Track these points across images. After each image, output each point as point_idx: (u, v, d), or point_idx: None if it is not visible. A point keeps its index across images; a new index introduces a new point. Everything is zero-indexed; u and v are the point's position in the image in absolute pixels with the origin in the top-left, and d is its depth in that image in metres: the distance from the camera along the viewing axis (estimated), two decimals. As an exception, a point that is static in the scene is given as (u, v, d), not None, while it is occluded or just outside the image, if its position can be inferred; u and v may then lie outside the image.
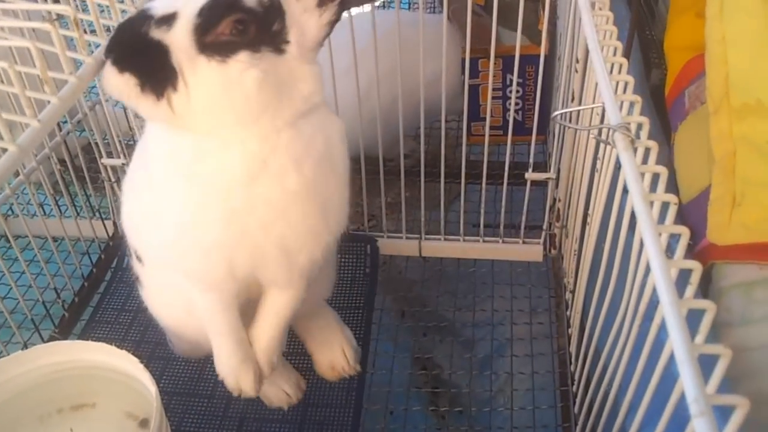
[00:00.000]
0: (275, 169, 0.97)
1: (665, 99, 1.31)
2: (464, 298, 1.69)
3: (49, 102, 0.85)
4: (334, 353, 1.41)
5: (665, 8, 2.11)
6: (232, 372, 1.19)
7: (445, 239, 1.73)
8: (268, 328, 1.19)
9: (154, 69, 0.89)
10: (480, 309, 1.65)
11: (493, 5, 1.38)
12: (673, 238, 0.78)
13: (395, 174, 1.78)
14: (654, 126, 1.47)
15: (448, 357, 1.57)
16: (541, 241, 1.69)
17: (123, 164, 1.69)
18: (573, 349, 1.41)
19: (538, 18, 1.86)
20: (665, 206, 0.79)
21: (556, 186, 1.62)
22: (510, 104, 1.93)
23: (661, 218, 0.79)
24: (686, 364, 0.60)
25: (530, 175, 1.57)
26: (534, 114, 1.95)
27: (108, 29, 0.99)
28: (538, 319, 1.61)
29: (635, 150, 0.83)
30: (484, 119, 1.96)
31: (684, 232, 0.72)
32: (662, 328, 0.83)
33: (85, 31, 0.95)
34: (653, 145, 0.83)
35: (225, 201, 0.98)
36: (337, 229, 1.09)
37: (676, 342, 0.62)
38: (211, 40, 0.89)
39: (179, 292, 1.18)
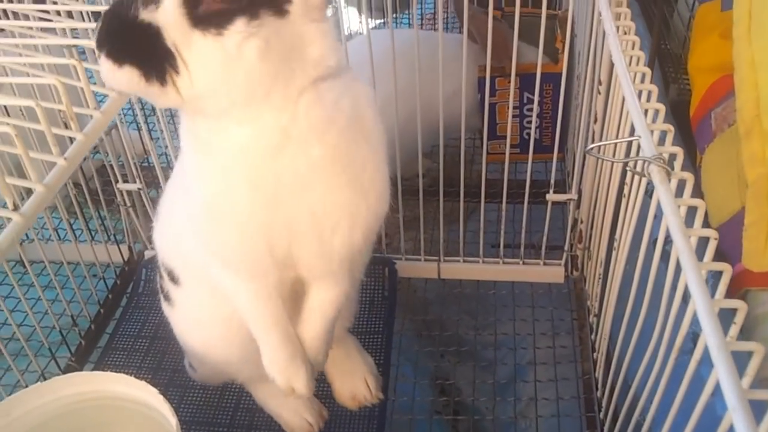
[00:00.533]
0: (298, 139, 0.88)
1: (690, 120, 1.28)
2: (485, 320, 1.66)
3: (73, 139, 0.84)
4: (355, 383, 1.39)
5: (680, 21, 2.09)
6: (283, 370, 1.10)
7: (464, 261, 1.70)
8: (313, 325, 1.12)
9: (150, 54, 0.80)
10: (501, 333, 1.62)
11: (514, 20, 1.36)
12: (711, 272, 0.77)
13: (410, 193, 1.76)
14: (675, 141, 1.45)
15: (470, 382, 1.54)
16: (563, 262, 1.67)
17: (139, 189, 1.68)
18: (599, 374, 1.39)
19: (555, 35, 1.84)
20: (703, 240, 0.77)
21: (578, 207, 1.60)
22: (527, 122, 1.92)
23: (699, 252, 0.78)
24: (738, 411, 0.58)
25: (551, 196, 1.55)
26: (551, 132, 1.95)
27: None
28: (561, 342, 1.58)
29: (670, 181, 0.82)
30: (501, 137, 1.96)
31: (726, 269, 0.70)
32: (702, 363, 0.81)
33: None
34: (689, 177, 0.81)
35: (250, 175, 0.90)
36: (377, 208, 0.99)
37: (727, 387, 0.60)
38: (204, 10, 0.79)
39: (219, 306, 1.13)
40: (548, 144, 1.93)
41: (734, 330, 0.68)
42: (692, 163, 1.36)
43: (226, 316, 1.14)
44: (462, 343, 1.64)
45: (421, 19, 2.55)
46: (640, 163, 0.85)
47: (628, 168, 0.85)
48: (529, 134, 1.93)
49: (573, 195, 1.56)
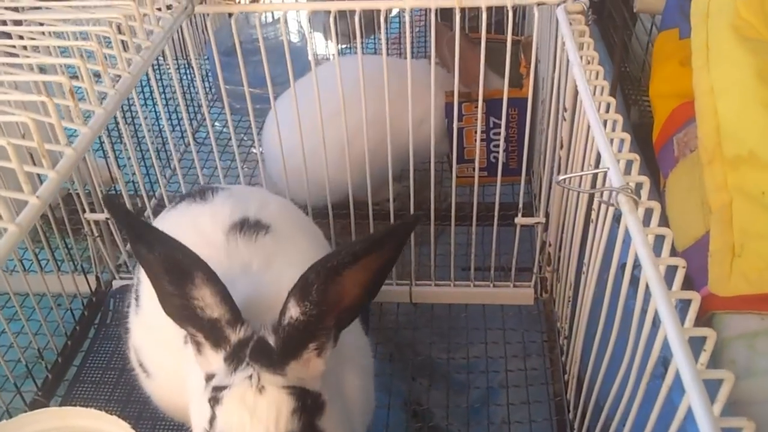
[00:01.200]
0: None
1: (653, 145, 1.32)
2: (457, 343, 1.67)
3: (45, 176, 0.83)
4: None
5: (639, 44, 2.15)
6: None
7: (435, 284, 1.72)
8: None
9: None
10: (473, 356, 1.64)
11: (481, 46, 1.38)
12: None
13: (380, 218, 1.77)
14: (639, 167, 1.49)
15: (443, 406, 1.55)
16: (532, 284, 1.69)
17: (106, 218, 1.66)
18: (571, 396, 1.40)
19: (519, 61, 1.88)
20: (671, 268, 0.79)
21: (545, 229, 1.63)
22: (494, 146, 1.94)
23: (667, 277, 0.80)
24: (710, 439, 0.59)
25: (520, 219, 1.57)
26: (517, 155, 1.98)
27: (102, 97, 0.97)
28: (532, 364, 1.60)
29: (637, 210, 0.84)
30: (469, 161, 1.98)
31: (695, 297, 0.73)
32: (673, 389, 0.83)
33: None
34: (655, 205, 0.83)
35: None
36: None
37: (701, 416, 0.61)
38: None
39: None
40: (514, 167, 1.95)
41: (704, 357, 0.70)
42: (656, 187, 1.40)
43: None
44: (434, 367, 1.65)
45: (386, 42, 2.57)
46: (607, 192, 0.87)
47: (597, 198, 0.87)
48: (496, 158, 1.95)
49: (541, 218, 1.59)
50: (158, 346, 1.16)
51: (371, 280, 0.88)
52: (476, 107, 1.87)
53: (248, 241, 1.09)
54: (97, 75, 1.03)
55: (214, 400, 0.86)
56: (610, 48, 2.03)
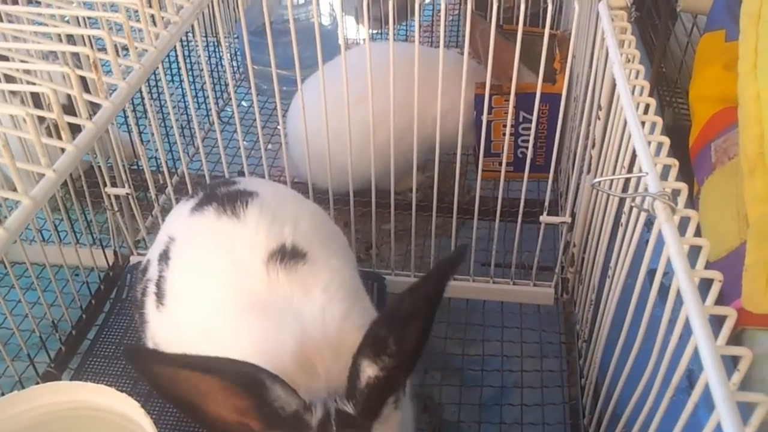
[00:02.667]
0: None
1: (689, 150, 1.28)
2: (472, 339, 1.64)
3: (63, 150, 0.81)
4: None
5: (678, 45, 2.09)
6: None
7: (454, 278, 1.69)
8: None
9: None
10: (488, 353, 1.61)
11: (514, 38, 1.34)
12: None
13: (402, 207, 1.75)
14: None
15: (455, 403, 1.52)
16: (553, 284, 1.65)
17: (127, 194, 1.64)
18: (587, 401, 1.37)
19: (554, 56, 1.83)
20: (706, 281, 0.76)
21: (570, 229, 1.59)
22: (522, 141, 1.90)
23: (700, 290, 0.76)
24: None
25: (545, 218, 1.54)
26: (545, 152, 1.94)
27: (127, 71, 0.95)
28: (549, 365, 1.56)
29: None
30: (495, 155, 1.95)
31: (731, 314, 0.69)
32: (699, 406, 0.80)
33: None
34: (693, 214, 0.80)
35: None
36: None
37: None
38: None
39: None
40: (541, 164, 1.91)
41: (737, 377, 0.66)
42: (689, 193, 1.36)
43: None
44: (449, 362, 1.62)
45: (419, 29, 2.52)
46: (643, 198, 0.83)
47: (629, 202, 0.83)
48: (523, 153, 1.91)
49: (566, 218, 1.55)
50: (186, 346, 1.14)
51: (431, 317, 0.86)
52: (506, 101, 1.83)
53: (288, 273, 1.07)
54: (124, 48, 1.01)
55: None
56: (647, 48, 1.98)
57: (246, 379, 0.83)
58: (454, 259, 0.89)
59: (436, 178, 1.55)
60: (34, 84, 0.82)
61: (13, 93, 1.44)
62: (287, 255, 1.09)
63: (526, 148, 1.94)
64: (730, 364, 0.71)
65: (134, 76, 0.95)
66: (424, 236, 1.83)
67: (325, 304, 1.03)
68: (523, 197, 1.53)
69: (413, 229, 1.66)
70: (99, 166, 1.63)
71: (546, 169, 1.65)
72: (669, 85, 2.03)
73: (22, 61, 0.89)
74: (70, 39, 1.04)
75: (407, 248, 1.81)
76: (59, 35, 0.97)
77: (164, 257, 1.20)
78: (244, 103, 2.42)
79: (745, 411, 0.66)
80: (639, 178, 0.91)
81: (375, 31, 2.50)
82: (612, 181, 0.91)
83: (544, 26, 1.30)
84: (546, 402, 1.49)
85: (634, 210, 0.98)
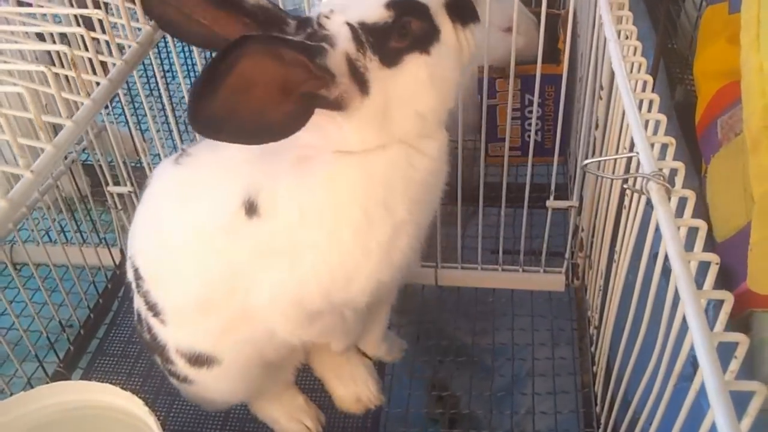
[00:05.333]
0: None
1: (695, 127, 1.23)
2: (482, 329, 1.62)
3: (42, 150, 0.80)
4: (359, 386, 1.39)
5: (688, 20, 2.03)
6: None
7: (462, 267, 1.66)
8: (382, 327, 1.41)
9: None
10: (499, 342, 1.58)
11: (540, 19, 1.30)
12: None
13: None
14: (679, 147, 1.40)
15: (466, 393, 1.50)
16: (563, 270, 1.62)
17: (129, 192, 1.64)
18: (599, 389, 1.34)
19: (558, 36, 1.79)
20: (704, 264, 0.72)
21: (579, 213, 1.55)
22: (528, 125, 1.87)
23: (701, 274, 0.73)
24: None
25: (551, 203, 1.50)
26: (553, 134, 1.90)
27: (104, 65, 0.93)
28: (561, 353, 1.53)
29: (670, 199, 0.77)
30: (502, 140, 1.91)
31: (727, 297, 0.66)
32: (701, 393, 0.77)
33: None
34: (690, 194, 0.76)
35: (423, 192, 1.01)
36: None
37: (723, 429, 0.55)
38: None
39: (259, 359, 1.20)
40: (550, 147, 1.86)
41: (735, 365, 0.63)
42: (697, 171, 1.31)
43: (262, 364, 1.20)
44: (459, 352, 1.60)
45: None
46: (639, 179, 0.80)
47: (625, 186, 0.80)
48: (530, 137, 1.88)
49: (574, 202, 1.52)
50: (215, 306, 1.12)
51: None
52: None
53: None
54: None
55: None
56: (656, 24, 1.92)
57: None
58: None
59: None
60: (14, 84, 0.81)
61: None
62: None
63: (534, 132, 1.91)
64: (733, 350, 0.68)
65: (116, 72, 0.94)
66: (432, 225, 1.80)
67: None
68: (528, 181, 1.50)
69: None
70: (100, 165, 1.63)
71: (554, 152, 1.62)
72: (680, 61, 1.97)
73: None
74: (50, 36, 1.03)
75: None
76: (36, 33, 0.95)
77: (136, 277, 1.19)
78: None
79: (746, 399, 0.63)
80: (639, 159, 0.88)
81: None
82: (603, 162, 0.88)
83: (555, 6, 1.26)
84: (558, 390, 1.46)
85: (635, 195, 0.95)
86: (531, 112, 1.83)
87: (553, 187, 1.50)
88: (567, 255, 1.60)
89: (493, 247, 1.71)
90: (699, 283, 0.71)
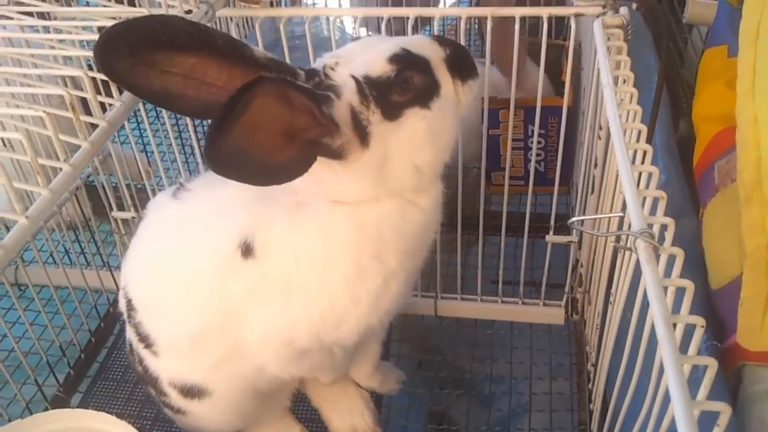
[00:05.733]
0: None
1: (693, 170, 1.23)
2: (480, 362, 1.62)
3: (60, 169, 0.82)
4: (354, 417, 1.39)
5: (694, 52, 2.03)
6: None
7: (461, 298, 1.66)
8: (374, 359, 1.42)
9: None
10: (497, 375, 1.58)
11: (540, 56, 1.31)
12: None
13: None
14: (681, 188, 1.39)
15: (463, 427, 1.50)
16: (563, 304, 1.61)
17: (133, 217, 1.65)
18: (594, 427, 1.34)
19: (562, 68, 1.79)
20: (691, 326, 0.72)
21: (579, 248, 1.55)
22: (531, 155, 1.87)
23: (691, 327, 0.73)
24: None
25: (551, 237, 1.50)
26: (556, 165, 1.90)
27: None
28: (558, 387, 1.53)
29: (658, 257, 0.77)
30: (504, 169, 1.91)
31: (711, 363, 0.66)
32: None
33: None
34: (678, 252, 0.76)
35: (414, 243, 1.03)
36: None
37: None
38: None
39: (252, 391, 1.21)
40: (553, 177, 1.87)
41: (717, 432, 0.63)
42: (696, 212, 1.31)
43: (254, 395, 1.21)
44: (458, 384, 1.59)
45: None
46: (627, 235, 0.80)
47: (614, 244, 0.80)
48: (535, 167, 1.88)
49: (574, 237, 1.51)
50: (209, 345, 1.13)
51: None
52: (514, 114, 1.80)
53: None
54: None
55: None
56: (660, 52, 1.92)
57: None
58: None
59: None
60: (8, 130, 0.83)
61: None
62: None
63: (537, 162, 1.91)
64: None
65: (114, 115, 0.95)
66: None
67: None
68: (528, 211, 1.50)
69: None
70: (104, 188, 1.64)
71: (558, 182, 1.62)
72: (686, 95, 1.97)
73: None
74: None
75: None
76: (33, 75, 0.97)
77: (128, 307, 1.19)
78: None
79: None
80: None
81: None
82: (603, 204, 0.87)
83: (559, 38, 1.27)
84: (555, 426, 1.45)
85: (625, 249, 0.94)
86: (533, 142, 1.84)
87: (552, 222, 1.50)
88: (567, 289, 1.60)
89: (493, 276, 1.71)
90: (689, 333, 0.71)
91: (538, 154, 1.87)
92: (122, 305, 1.20)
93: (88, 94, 0.93)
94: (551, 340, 1.63)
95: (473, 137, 1.79)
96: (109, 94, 0.98)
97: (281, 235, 0.98)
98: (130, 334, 1.21)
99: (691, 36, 2.02)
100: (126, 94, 0.99)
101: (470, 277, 1.68)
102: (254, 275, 1.01)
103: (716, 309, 1.03)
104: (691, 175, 1.37)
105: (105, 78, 0.82)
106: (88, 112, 0.93)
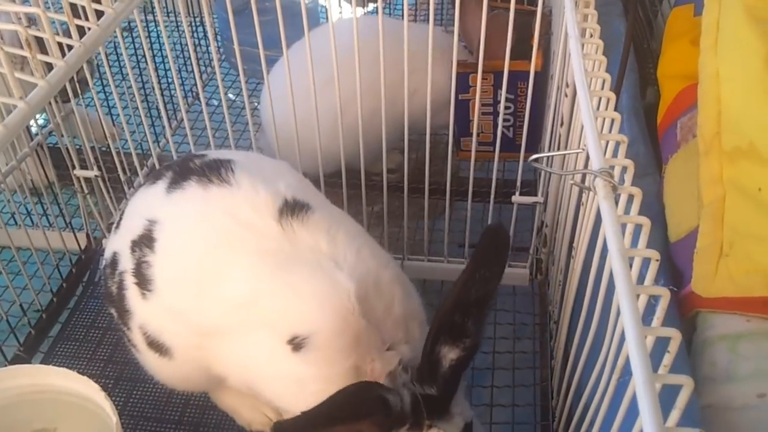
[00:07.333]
0: None
1: (657, 128, 1.25)
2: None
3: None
4: None
5: (663, 21, 2.05)
6: None
7: (428, 260, 1.67)
8: None
9: None
10: (462, 335, 1.59)
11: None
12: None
13: (378, 189, 1.72)
14: (646, 149, 1.41)
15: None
16: (528, 264, 1.63)
17: (96, 176, 1.62)
18: (556, 382, 1.36)
19: (532, 33, 1.79)
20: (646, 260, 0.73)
21: (544, 209, 1.57)
22: (500, 120, 1.87)
23: (642, 273, 0.74)
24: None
25: (517, 198, 1.51)
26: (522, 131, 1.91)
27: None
28: (521, 346, 1.55)
29: (618, 197, 0.78)
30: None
31: (664, 293, 0.67)
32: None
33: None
34: (636, 192, 0.77)
35: None
36: None
37: (649, 426, 0.56)
38: None
39: None
40: (521, 143, 1.88)
41: (668, 359, 0.64)
42: (659, 172, 1.33)
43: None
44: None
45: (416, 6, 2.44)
46: (589, 176, 0.81)
47: (573, 183, 0.81)
48: (502, 132, 1.88)
49: (539, 198, 1.53)
50: (187, 329, 1.14)
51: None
52: (484, 79, 1.80)
53: (302, 223, 1.08)
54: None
55: None
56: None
57: (373, 408, 0.89)
58: (503, 240, 0.98)
59: (406, 157, 1.53)
60: None
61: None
62: (294, 207, 1.09)
63: (506, 127, 1.92)
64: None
65: (73, 55, 0.93)
66: (398, 217, 1.80)
67: (352, 244, 1.08)
68: (494, 177, 1.51)
69: (385, 209, 1.63)
70: (67, 148, 1.61)
71: (526, 148, 1.63)
72: (654, 63, 1.98)
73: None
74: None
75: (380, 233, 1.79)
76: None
77: (145, 243, 1.15)
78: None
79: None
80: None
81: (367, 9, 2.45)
82: (552, 158, 0.88)
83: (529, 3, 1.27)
84: (517, 383, 1.47)
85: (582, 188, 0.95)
86: (504, 108, 1.84)
87: (519, 183, 1.51)
88: (531, 250, 1.62)
89: (460, 240, 1.72)
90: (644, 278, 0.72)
91: (506, 119, 1.87)
92: (138, 230, 1.16)
93: (46, 34, 0.91)
94: (515, 302, 1.65)
95: (444, 105, 1.80)
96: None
97: None
98: (125, 262, 1.18)
99: (662, 7, 2.04)
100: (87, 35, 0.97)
101: (438, 241, 1.69)
102: None
103: (674, 261, 1.04)
104: (656, 139, 1.39)
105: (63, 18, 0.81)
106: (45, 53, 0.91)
